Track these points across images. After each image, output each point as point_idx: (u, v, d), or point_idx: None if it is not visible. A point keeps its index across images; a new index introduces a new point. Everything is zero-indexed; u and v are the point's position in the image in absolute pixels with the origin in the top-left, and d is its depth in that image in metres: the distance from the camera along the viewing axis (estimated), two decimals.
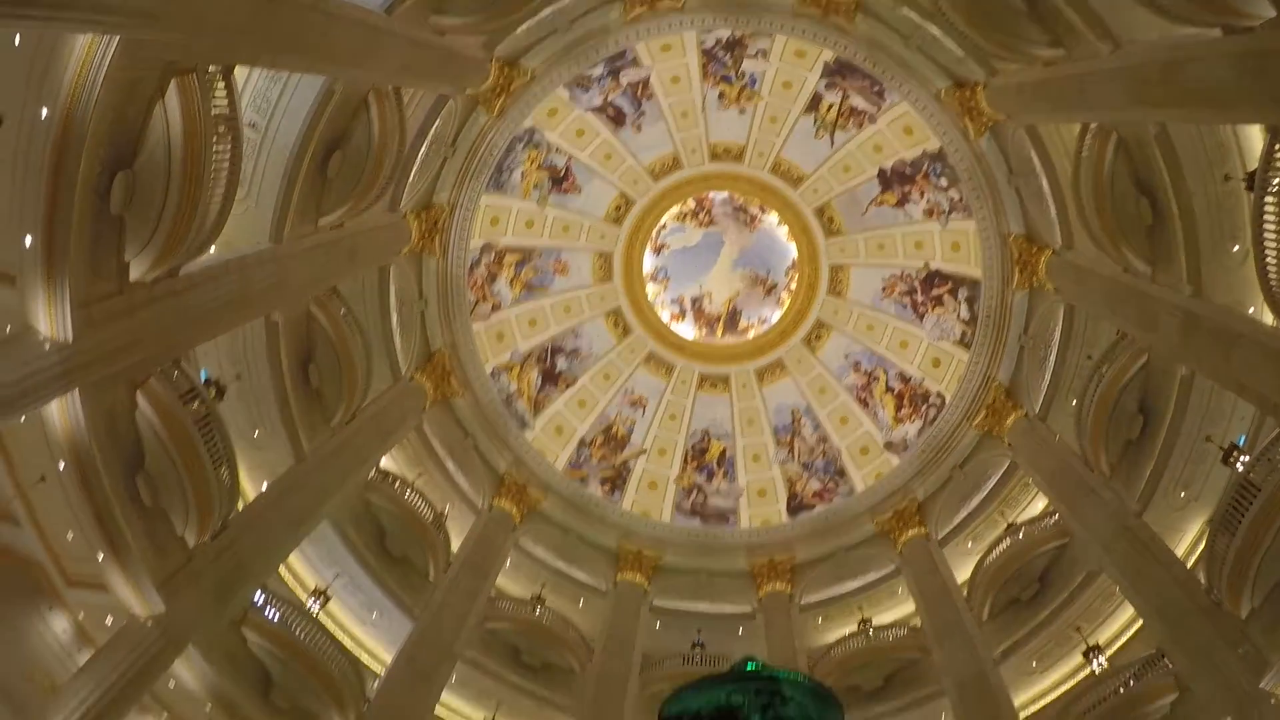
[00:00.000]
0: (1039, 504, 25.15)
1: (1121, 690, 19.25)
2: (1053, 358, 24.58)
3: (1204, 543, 18.44)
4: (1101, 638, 22.48)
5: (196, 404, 17.22)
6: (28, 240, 13.20)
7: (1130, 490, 20.24)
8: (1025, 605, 23.39)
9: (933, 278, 30.44)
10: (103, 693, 15.34)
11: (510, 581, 28.11)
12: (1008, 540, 24.03)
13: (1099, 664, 21.79)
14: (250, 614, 19.57)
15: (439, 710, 23.51)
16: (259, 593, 19.94)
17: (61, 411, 14.44)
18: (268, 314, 19.63)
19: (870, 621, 26.80)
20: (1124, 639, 22.10)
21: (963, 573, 25.44)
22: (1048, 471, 23.55)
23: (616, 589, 28.47)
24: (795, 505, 31.42)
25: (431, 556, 25.05)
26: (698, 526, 31.60)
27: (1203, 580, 17.85)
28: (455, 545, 26.36)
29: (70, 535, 17.18)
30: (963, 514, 27.24)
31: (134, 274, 15.03)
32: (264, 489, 20.86)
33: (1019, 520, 24.88)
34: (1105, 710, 19.17)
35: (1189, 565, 19.04)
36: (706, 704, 7.51)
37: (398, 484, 25.29)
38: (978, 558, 24.80)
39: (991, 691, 21.54)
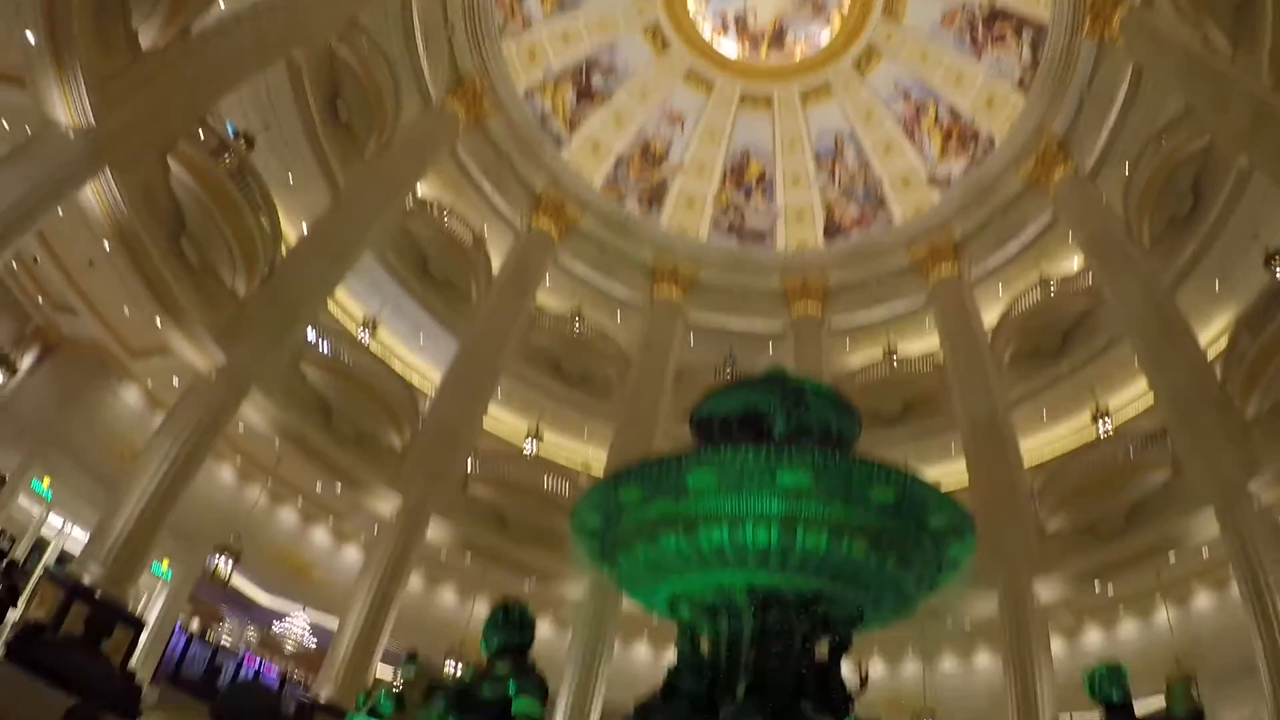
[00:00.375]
0: (1074, 262, 24.87)
1: (1121, 458, 20.26)
2: (1112, 118, 23.07)
3: (1227, 338, 18.53)
4: (1112, 404, 23.56)
5: (228, 158, 17.01)
6: (30, 37, 12.64)
7: (1167, 267, 20.06)
8: (1045, 358, 23.96)
9: (996, 14, 27.12)
10: (180, 447, 16.68)
11: (550, 298, 28.87)
12: (1038, 292, 24.12)
13: (1105, 428, 23.06)
14: (306, 350, 20.54)
15: (487, 422, 25.38)
16: (311, 330, 20.70)
17: (97, 194, 14.33)
18: (288, 56, 18.59)
19: (895, 351, 27.87)
20: (1132, 410, 23.16)
21: (990, 316, 25.92)
22: (1089, 232, 23.07)
23: (653, 304, 29.40)
24: (832, 230, 31.06)
25: (473, 278, 25.47)
26: (734, 245, 31.60)
27: (1218, 373, 18.30)
28: (496, 266, 26.54)
29: (126, 310, 17.54)
30: (997, 259, 26.89)
31: (144, 43, 14.48)
32: (305, 230, 20.76)
33: (1052, 275, 24.68)
34: (1102, 472, 20.26)
35: (1208, 356, 19.23)
36: (734, 408, 8.12)
37: (435, 210, 24.88)
38: (1006, 304, 25.12)
39: (1001, 433, 23.08)
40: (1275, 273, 17.73)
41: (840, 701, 6.12)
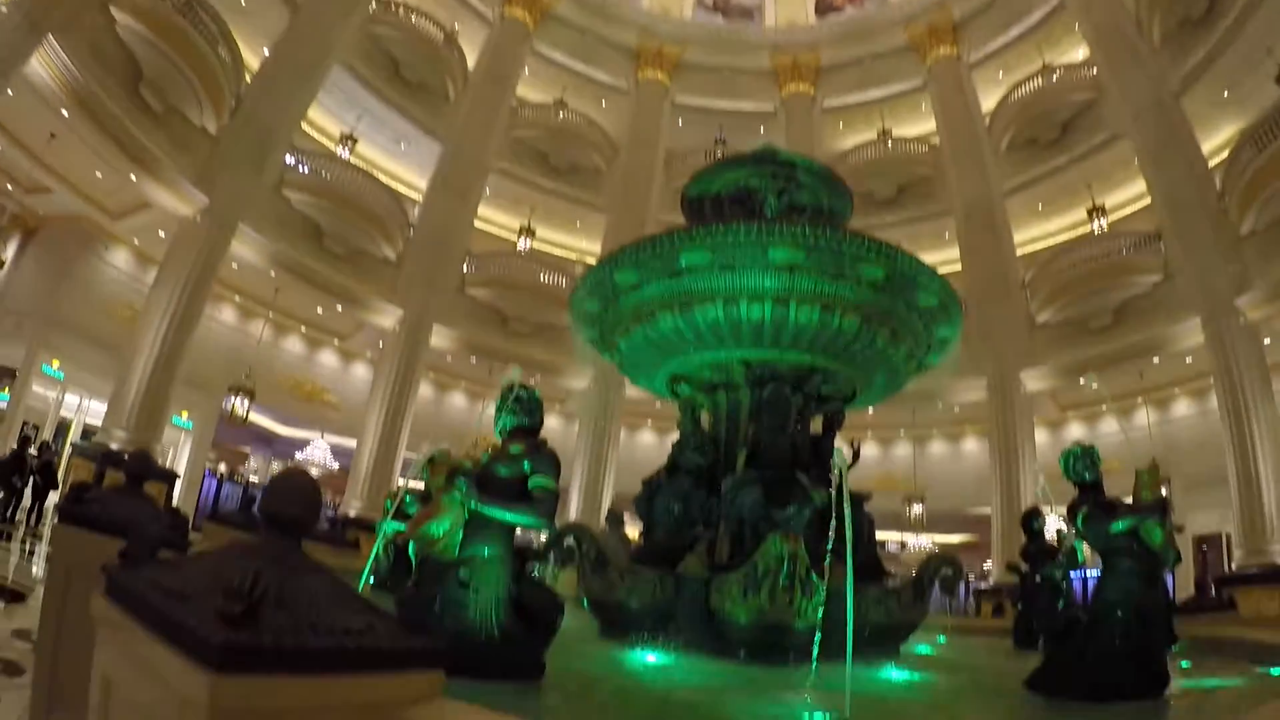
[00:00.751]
0: (1079, 53, 23.43)
1: (1113, 255, 20.23)
2: None
3: (1229, 150, 18.00)
4: (1108, 202, 23.12)
5: None
6: None
7: (1175, 68, 19.02)
8: (1043, 148, 23.18)
9: None
10: (178, 297, 16.79)
11: (531, 89, 27.48)
12: (1040, 79, 22.97)
13: (1100, 225, 22.81)
14: (287, 176, 20.09)
15: (478, 223, 25.28)
16: (290, 155, 20.13)
17: (45, 63, 13.70)
18: None
19: (890, 133, 26.80)
20: (1128, 210, 22.75)
21: (988, 101, 24.81)
22: (1097, 21, 21.61)
23: (638, 87, 28.01)
24: (824, 6, 28.94)
25: (448, 77, 24.21)
26: (720, 23, 29.66)
27: (1217, 184, 17.96)
28: (471, 62, 25.35)
29: (99, 174, 17.15)
30: (999, 42, 25.24)
31: None
32: (267, 54, 19.82)
33: (1055, 63, 23.46)
34: (1093, 268, 20.30)
35: (1209, 164, 18.74)
36: (726, 185, 8.40)
37: (401, 9, 23.48)
38: (1005, 89, 23.90)
39: (995, 220, 22.98)
40: None
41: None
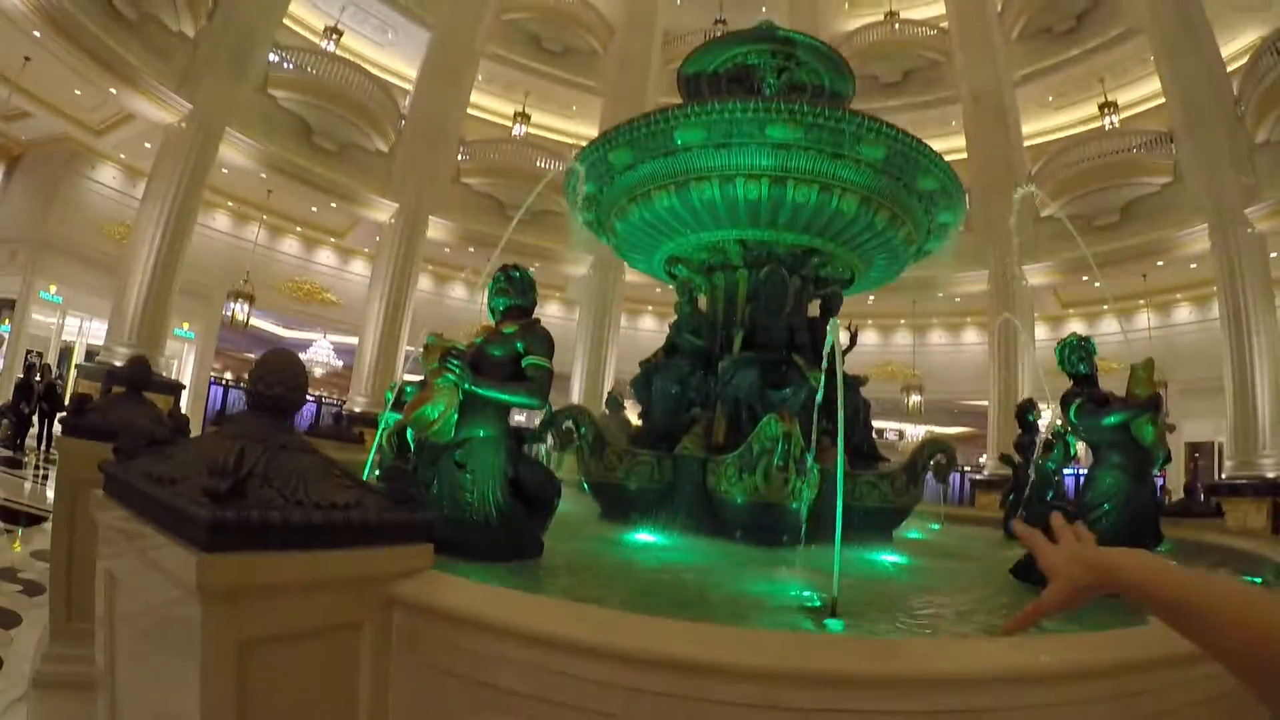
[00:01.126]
0: None
1: (1123, 152, 19.82)
2: None
3: (1249, 56, 17.47)
4: (1121, 98, 22.48)
5: None
6: None
7: None
8: (1057, 38, 22.38)
9: None
10: (170, 207, 16.64)
11: None
12: None
13: (1111, 121, 22.21)
14: (271, 74, 19.61)
15: (471, 111, 24.69)
16: (273, 52, 19.52)
17: None
18: None
19: (897, 15, 25.93)
20: (1141, 109, 22.18)
21: None
22: None
23: None
24: None
25: None
26: None
27: (1234, 90, 17.42)
28: None
29: (78, 92, 16.60)
30: None
31: None
32: None
33: None
34: (1102, 165, 19.94)
35: (1228, 68, 18.11)
36: (723, 64, 8.30)
37: None
38: None
39: (1004, 109, 22.34)
40: None
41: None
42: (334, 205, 21.56)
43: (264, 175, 19.72)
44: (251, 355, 28.02)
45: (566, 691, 1.88)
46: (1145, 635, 2.07)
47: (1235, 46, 19.10)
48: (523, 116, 26.45)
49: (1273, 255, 17.25)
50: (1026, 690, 1.93)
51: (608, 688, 1.85)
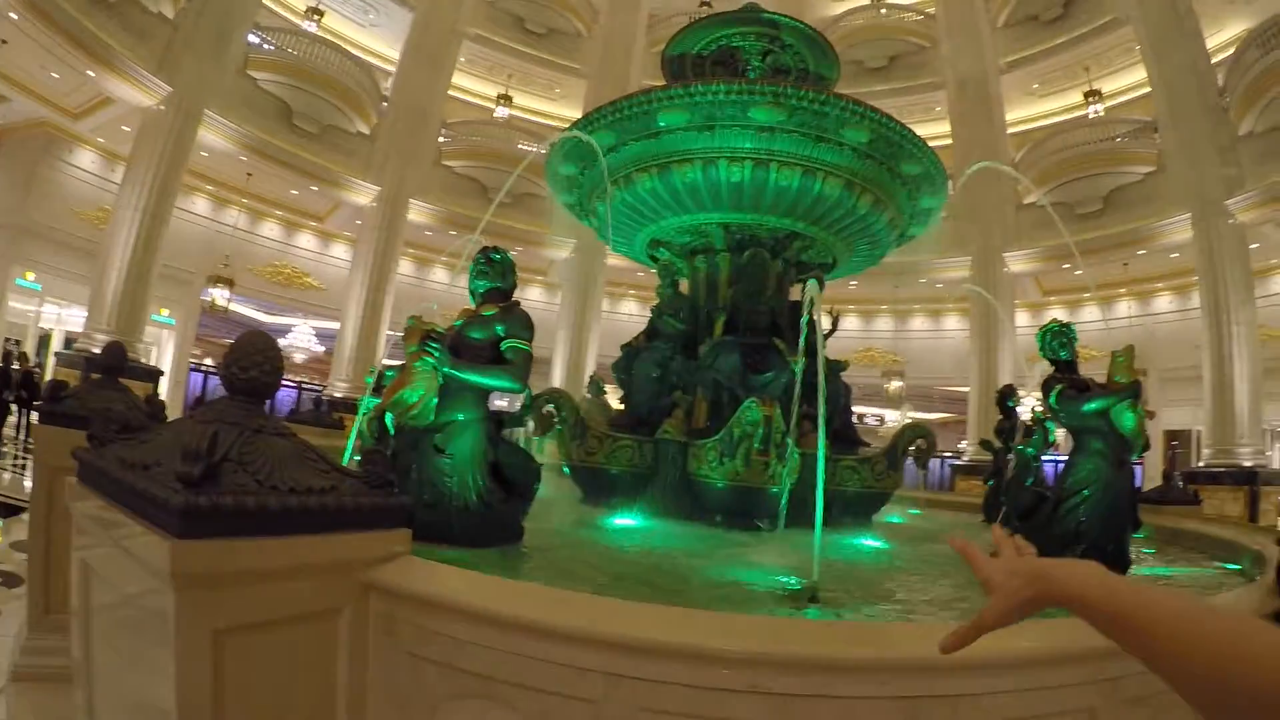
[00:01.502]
0: None
1: (1107, 140, 20.00)
2: None
3: (1235, 47, 17.63)
4: (1106, 87, 22.55)
5: None
6: None
7: None
8: (1043, 25, 22.37)
9: None
10: (148, 191, 16.45)
11: None
12: None
13: (1096, 110, 22.30)
14: (251, 56, 19.40)
15: (453, 94, 24.57)
16: (253, 33, 19.26)
17: None
18: None
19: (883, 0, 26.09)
20: (1125, 98, 22.26)
21: None
22: None
23: None
24: None
25: None
26: None
27: (1219, 82, 17.54)
28: None
29: (56, 75, 16.28)
30: None
31: None
32: None
33: None
34: (1086, 152, 20.13)
35: (1213, 59, 18.26)
36: (707, 45, 8.29)
37: None
38: None
39: (988, 96, 22.36)
40: None
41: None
42: (314, 188, 21.35)
43: (244, 158, 19.50)
44: (231, 341, 27.73)
45: (547, 677, 1.87)
46: None
47: (1221, 38, 19.16)
48: (505, 99, 26.24)
49: (1254, 246, 17.42)
50: (1007, 675, 1.93)
51: (588, 674, 1.84)
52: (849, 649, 1.94)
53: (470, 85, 26.25)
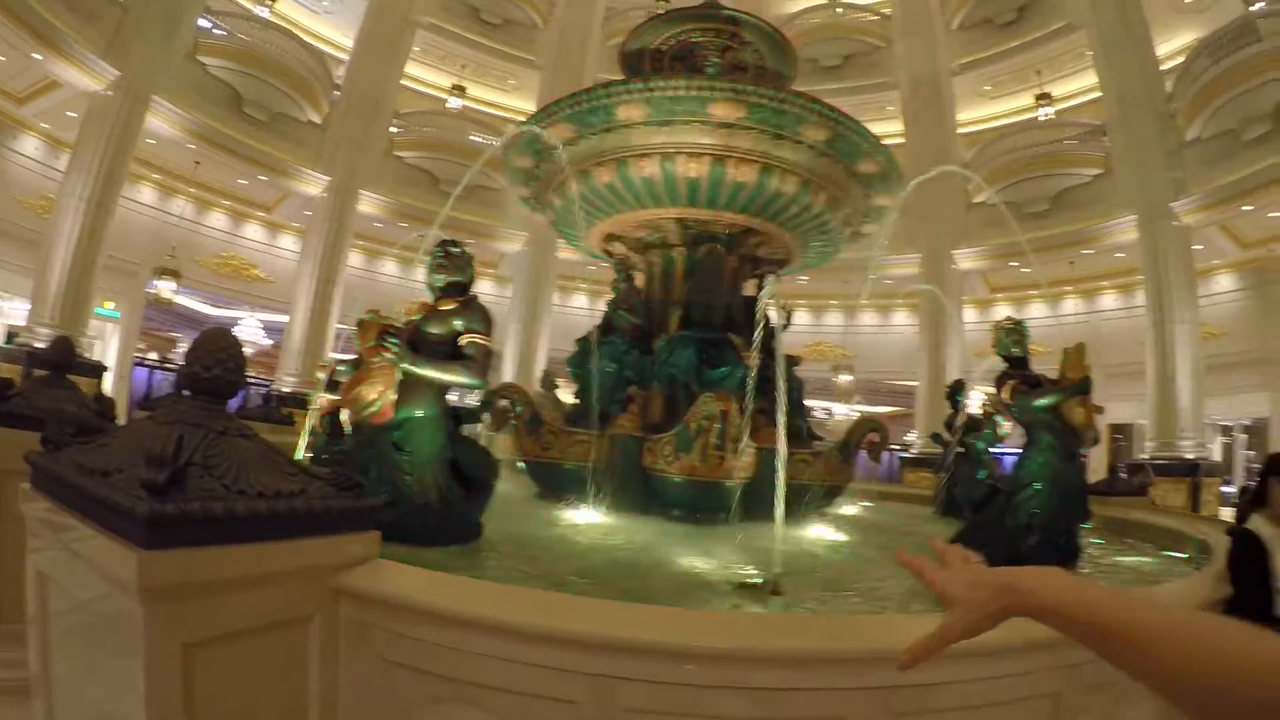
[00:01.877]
0: None
1: (1057, 143, 20.47)
2: None
3: (1185, 56, 18.18)
4: (1056, 90, 23.00)
5: None
6: None
7: None
8: (997, 29, 22.70)
9: None
10: (94, 178, 15.81)
11: None
12: None
13: (1046, 113, 22.73)
14: (202, 40, 18.80)
15: (407, 83, 24.18)
16: (204, 17, 18.79)
17: None
18: None
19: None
20: (1075, 102, 22.73)
21: None
22: None
23: None
24: None
25: None
26: None
27: (1169, 88, 18.05)
28: None
29: (1, 58, 15.52)
30: None
31: None
32: None
33: None
34: (1035, 154, 20.57)
35: (1163, 67, 18.75)
36: (667, 41, 8.33)
37: None
38: None
39: (941, 97, 22.62)
40: (1250, 6, 17.01)
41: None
42: (264, 178, 20.81)
43: (192, 146, 18.93)
44: (177, 334, 27.05)
45: (528, 680, 1.85)
46: None
47: (1172, 46, 19.68)
48: (459, 89, 25.94)
49: (1198, 248, 18.01)
50: (973, 664, 1.97)
51: (569, 675, 1.83)
52: (826, 643, 1.96)
53: (424, 75, 25.89)
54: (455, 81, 25.95)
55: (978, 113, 24.51)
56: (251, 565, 1.79)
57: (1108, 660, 0.89)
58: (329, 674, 1.98)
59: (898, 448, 23.95)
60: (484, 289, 25.27)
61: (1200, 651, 0.80)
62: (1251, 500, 3.97)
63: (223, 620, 1.75)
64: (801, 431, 7.45)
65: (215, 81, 18.88)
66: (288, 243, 24.23)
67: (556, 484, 6.66)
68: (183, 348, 26.86)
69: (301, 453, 5.71)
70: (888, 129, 22.27)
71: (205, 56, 18.64)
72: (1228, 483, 17.88)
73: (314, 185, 20.54)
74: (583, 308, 26.81)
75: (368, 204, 21.44)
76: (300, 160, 20.26)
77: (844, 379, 23.57)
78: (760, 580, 3.92)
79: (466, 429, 4.99)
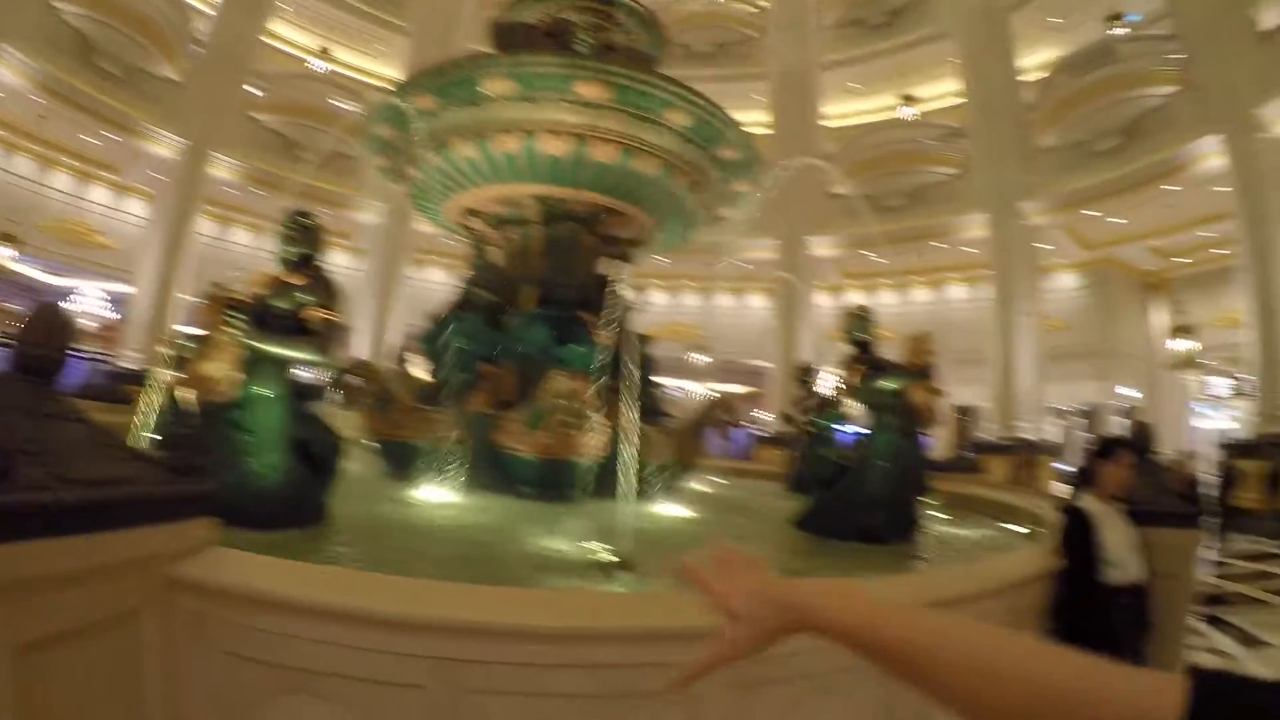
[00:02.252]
0: None
1: (918, 142, 21.63)
2: None
3: (1048, 72, 19.57)
4: (920, 93, 24.05)
5: None
6: None
7: None
8: (869, 30, 23.76)
9: None
10: None
11: None
12: None
13: (910, 113, 23.74)
14: None
15: (271, 42, 23.11)
16: None
17: None
18: None
19: None
20: (936, 105, 23.74)
21: None
22: None
23: None
24: None
25: None
26: None
27: (1029, 98, 19.52)
28: None
29: None
30: None
31: None
32: None
33: None
34: (897, 150, 21.63)
35: (1028, 78, 20.14)
36: (540, 16, 8.44)
37: None
38: None
39: (808, 90, 23.60)
40: (1111, 32, 18.40)
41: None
42: (116, 137, 19.29)
43: (36, 98, 17.30)
44: (11, 305, 24.65)
45: (372, 667, 1.85)
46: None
47: (1033, 61, 20.93)
48: (324, 52, 24.67)
49: (1048, 248, 19.62)
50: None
51: (413, 659, 1.84)
52: (669, 619, 2.03)
53: (288, 33, 24.49)
54: (323, 44, 24.69)
55: (843, 108, 25.27)
56: (82, 558, 1.70)
57: (899, 680, 0.84)
58: (169, 670, 1.91)
59: (750, 426, 24.69)
60: (338, 261, 24.34)
61: (1014, 679, 0.75)
62: (1082, 480, 4.35)
63: (56, 619, 1.65)
64: (653, 409, 7.56)
65: (67, 29, 17.45)
66: (134, 207, 22.56)
67: (408, 463, 6.54)
68: (17, 319, 24.69)
69: (141, 435, 5.38)
70: (751, 118, 22.74)
71: (58, 2, 17.03)
72: (1063, 462, 19.42)
73: (166, 146, 19.18)
74: (438, 282, 26.19)
75: (220, 168, 20.23)
76: (153, 119, 18.96)
77: (699, 358, 24.07)
78: (612, 558, 4.00)
79: (314, 407, 4.84)
